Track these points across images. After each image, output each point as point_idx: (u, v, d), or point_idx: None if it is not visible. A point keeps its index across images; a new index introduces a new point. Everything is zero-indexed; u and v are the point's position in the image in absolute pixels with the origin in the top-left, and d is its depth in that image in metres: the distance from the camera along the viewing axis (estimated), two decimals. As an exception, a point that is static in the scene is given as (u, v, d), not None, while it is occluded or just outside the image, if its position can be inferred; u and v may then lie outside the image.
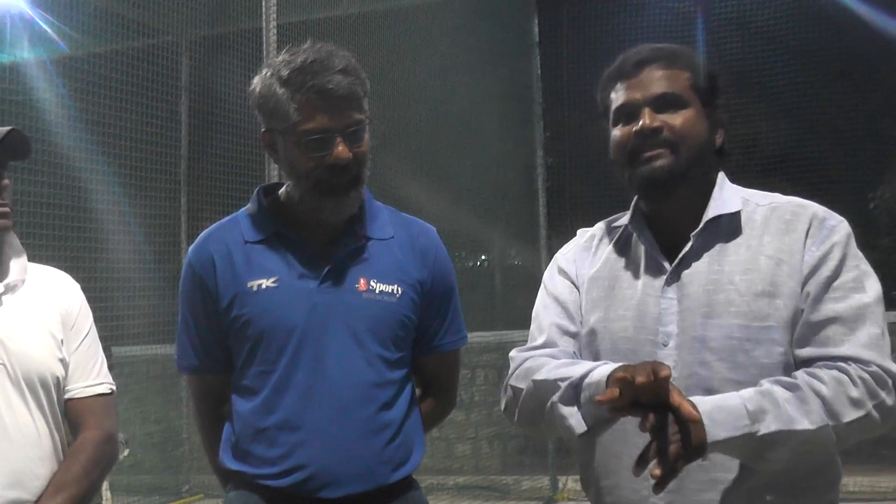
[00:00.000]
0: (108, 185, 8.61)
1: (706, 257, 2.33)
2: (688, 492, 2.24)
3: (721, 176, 2.42)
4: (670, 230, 2.40)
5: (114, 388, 2.77)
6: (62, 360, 2.67)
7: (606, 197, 6.91)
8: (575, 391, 2.27)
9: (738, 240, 2.34)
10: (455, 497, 8.26)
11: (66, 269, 2.87)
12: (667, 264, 2.36)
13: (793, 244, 2.28)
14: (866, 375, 2.13)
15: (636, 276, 2.42)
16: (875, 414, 2.13)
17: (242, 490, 2.70)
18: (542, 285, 2.59)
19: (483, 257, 9.28)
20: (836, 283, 2.23)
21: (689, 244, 2.34)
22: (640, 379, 1.97)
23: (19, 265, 2.67)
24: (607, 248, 2.51)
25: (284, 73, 2.59)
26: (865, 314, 2.21)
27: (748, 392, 2.11)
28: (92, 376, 2.75)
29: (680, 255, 2.34)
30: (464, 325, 2.89)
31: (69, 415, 2.72)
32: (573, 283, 2.52)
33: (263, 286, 2.64)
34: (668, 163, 2.32)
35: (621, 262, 2.47)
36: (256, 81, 2.68)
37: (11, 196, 2.63)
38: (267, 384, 2.63)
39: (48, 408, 2.64)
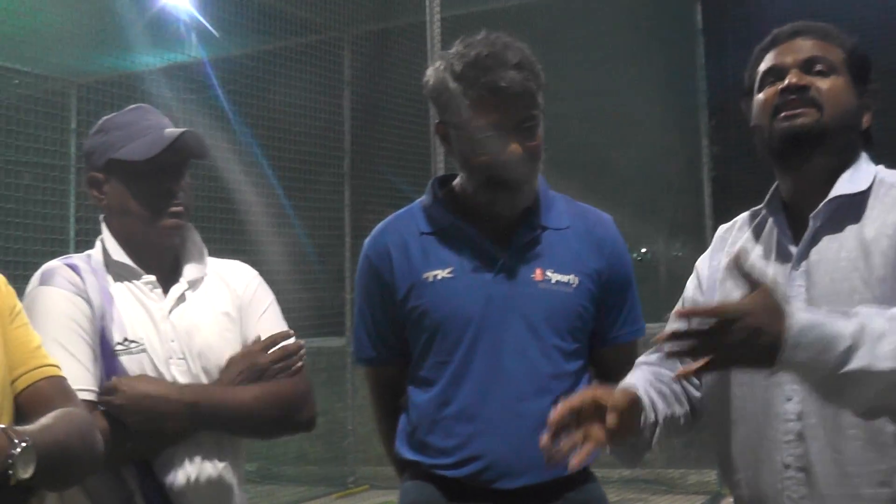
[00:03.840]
0: (273, 180, 8.79)
1: (831, 241, 2.21)
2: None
3: (863, 157, 2.31)
4: (800, 209, 2.30)
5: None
6: None
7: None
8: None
9: (865, 221, 2.20)
10: (621, 490, 8.18)
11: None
12: (793, 249, 2.27)
13: None
14: None
15: (768, 262, 2.33)
16: None
17: (418, 480, 2.70)
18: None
19: (643, 250, 9.17)
20: None
21: (810, 227, 2.23)
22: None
23: (200, 261, 2.72)
24: (745, 235, 2.43)
25: (458, 67, 2.58)
26: None
27: (851, 326, 1.91)
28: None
29: (803, 240, 2.24)
30: (641, 317, 2.83)
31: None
32: (700, 281, 2.46)
33: (439, 277, 2.65)
34: (811, 120, 2.22)
35: (757, 248, 2.38)
36: (430, 73, 2.67)
37: (192, 195, 2.68)
38: (443, 375, 2.64)
39: None
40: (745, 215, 2.50)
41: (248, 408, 2.55)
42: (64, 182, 8.91)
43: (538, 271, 2.65)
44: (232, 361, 2.61)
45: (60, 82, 9.21)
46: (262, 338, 2.67)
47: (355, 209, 9.57)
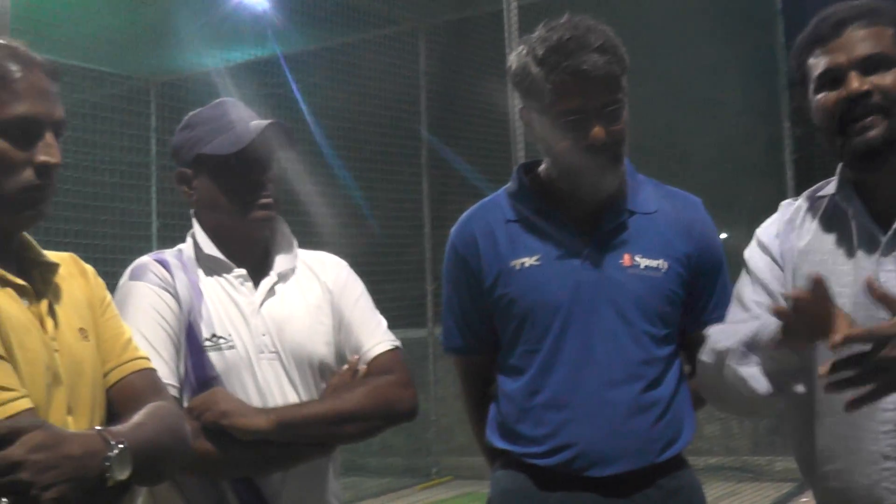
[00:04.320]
0: (352, 172, 8.83)
1: None
2: None
3: None
4: (883, 198, 2.27)
5: (398, 343, 2.73)
6: (332, 346, 2.70)
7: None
8: (749, 347, 2.21)
9: None
10: (706, 478, 8.10)
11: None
12: (881, 235, 2.23)
13: None
14: None
15: (849, 249, 2.29)
16: None
17: (510, 469, 2.69)
18: (744, 263, 2.49)
19: (724, 235, 9.03)
20: None
21: None
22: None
23: (290, 254, 2.72)
24: (814, 221, 2.39)
25: (540, 51, 2.55)
26: None
27: None
28: (376, 337, 2.72)
29: (894, 228, 2.21)
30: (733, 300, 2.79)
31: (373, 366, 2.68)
32: (774, 259, 2.42)
33: (527, 264, 2.63)
34: (882, 131, 2.20)
35: (831, 235, 2.34)
36: (513, 58, 2.65)
37: (280, 187, 2.69)
38: (533, 363, 2.62)
39: (319, 394, 2.65)
40: (805, 196, 2.47)
41: (350, 411, 2.55)
42: (146, 178, 9.03)
43: (626, 256, 2.62)
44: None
45: (140, 81, 9.33)
46: (359, 338, 2.69)
47: (434, 200, 9.59)
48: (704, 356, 2.41)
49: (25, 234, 2.07)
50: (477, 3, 8.88)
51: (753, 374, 2.24)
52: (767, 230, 2.48)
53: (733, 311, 2.47)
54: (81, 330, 2.07)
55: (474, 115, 9.01)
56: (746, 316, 2.39)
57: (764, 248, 2.45)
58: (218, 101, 2.74)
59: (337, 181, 8.56)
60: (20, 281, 1.98)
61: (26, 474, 1.70)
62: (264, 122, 2.63)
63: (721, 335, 2.38)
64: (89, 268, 2.23)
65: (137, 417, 2.00)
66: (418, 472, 9.49)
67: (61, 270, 2.09)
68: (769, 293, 2.39)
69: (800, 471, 2.44)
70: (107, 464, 1.82)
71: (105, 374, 2.11)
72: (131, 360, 2.16)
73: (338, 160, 8.49)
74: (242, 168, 2.60)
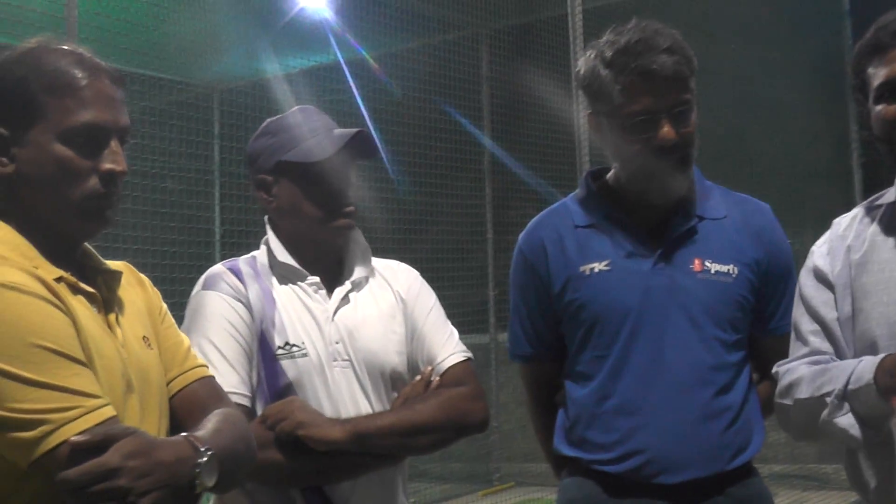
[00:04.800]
0: (414, 178, 8.84)
1: None
2: None
3: None
4: None
5: (469, 355, 2.73)
6: (405, 355, 2.69)
7: (929, 170, 6.51)
8: (842, 401, 2.17)
9: None
10: (772, 485, 7.92)
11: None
12: None
13: None
14: None
15: None
16: None
17: (578, 476, 2.68)
18: (799, 288, 2.47)
19: (789, 241, 8.92)
20: None
21: None
22: None
23: (364, 262, 2.73)
24: (870, 230, 2.36)
25: (608, 54, 2.56)
26: None
27: None
28: (448, 348, 2.71)
29: None
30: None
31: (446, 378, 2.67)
32: (824, 281, 2.39)
33: (596, 270, 2.62)
34: None
35: (889, 242, 2.31)
36: (581, 63, 2.66)
37: (358, 195, 2.69)
38: (602, 369, 2.61)
39: (389, 403, 2.65)
40: (860, 207, 2.44)
41: (423, 423, 2.55)
42: (209, 185, 9.11)
43: (697, 262, 2.61)
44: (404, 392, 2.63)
45: (203, 88, 9.41)
46: (433, 348, 2.69)
47: (497, 205, 9.58)
48: (784, 399, 2.37)
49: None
50: (540, 8, 8.86)
51: (851, 424, 2.20)
52: (820, 249, 2.46)
53: (794, 345, 2.45)
54: (145, 338, 2.08)
55: (537, 120, 8.98)
56: (806, 350, 2.38)
57: (816, 271, 2.43)
58: (298, 108, 2.75)
59: (399, 187, 8.58)
60: (90, 289, 1.97)
61: (123, 481, 1.70)
62: (351, 131, 2.64)
63: (793, 378, 2.35)
64: (144, 277, 2.23)
65: (213, 424, 2.00)
66: (480, 479, 9.46)
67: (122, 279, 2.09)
68: (819, 321, 2.38)
69: (849, 482, 2.41)
70: (197, 471, 1.82)
71: (167, 383, 2.11)
72: (193, 367, 2.16)
73: (400, 166, 8.50)
74: (327, 175, 2.60)
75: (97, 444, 1.71)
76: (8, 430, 1.71)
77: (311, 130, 2.64)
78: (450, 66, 9.13)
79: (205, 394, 2.14)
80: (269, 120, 2.73)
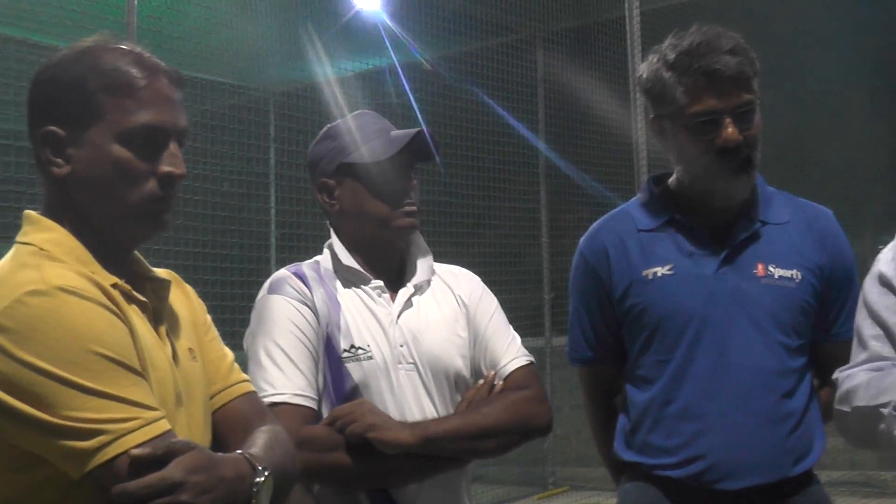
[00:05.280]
0: (470, 181, 8.84)
1: None
2: None
3: None
4: None
5: (532, 359, 2.73)
6: (468, 359, 2.69)
7: None
8: None
9: None
10: (831, 492, 7.88)
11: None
12: None
13: None
14: None
15: None
16: None
17: (638, 482, 2.67)
18: (861, 290, 2.45)
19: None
20: None
21: None
22: None
23: (426, 265, 2.73)
24: None
25: (671, 56, 2.56)
26: None
27: None
28: (511, 352, 2.71)
29: None
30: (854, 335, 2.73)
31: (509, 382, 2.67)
32: (891, 285, 2.37)
33: (659, 274, 2.62)
34: None
35: None
36: (644, 67, 2.67)
37: (418, 196, 2.70)
38: (664, 373, 2.60)
39: (454, 407, 2.65)
40: None
41: (490, 426, 2.55)
42: (265, 188, 9.15)
43: (760, 266, 2.60)
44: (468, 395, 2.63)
45: (260, 92, 9.46)
46: (496, 354, 2.68)
47: (552, 209, 9.55)
48: (843, 406, 2.35)
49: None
50: (597, 10, 8.83)
51: None
52: (885, 256, 2.44)
53: (855, 350, 2.43)
54: (190, 350, 2.03)
55: (593, 123, 8.96)
56: (867, 355, 2.36)
57: (882, 278, 2.41)
58: (357, 112, 2.76)
59: (454, 190, 8.58)
60: (143, 298, 1.92)
61: (186, 496, 1.66)
62: (411, 132, 2.65)
63: (851, 384, 2.34)
64: (188, 287, 2.18)
65: (264, 442, 1.96)
66: (535, 482, 9.44)
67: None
68: (882, 326, 2.36)
69: None
70: (255, 490, 1.79)
71: (211, 397, 2.06)
72: (237, 382, 2.12)
73: (455, 170, 8.51)
74: (390, 175, 2.62)
75: (159, 457, 1.68)
76: (62, 439, 1.66)
77: (372, 133, 2.65)
78: (505, 69, 9.12)
79: (249, 410, 2.09)
80: (328, 125, 2.74)
